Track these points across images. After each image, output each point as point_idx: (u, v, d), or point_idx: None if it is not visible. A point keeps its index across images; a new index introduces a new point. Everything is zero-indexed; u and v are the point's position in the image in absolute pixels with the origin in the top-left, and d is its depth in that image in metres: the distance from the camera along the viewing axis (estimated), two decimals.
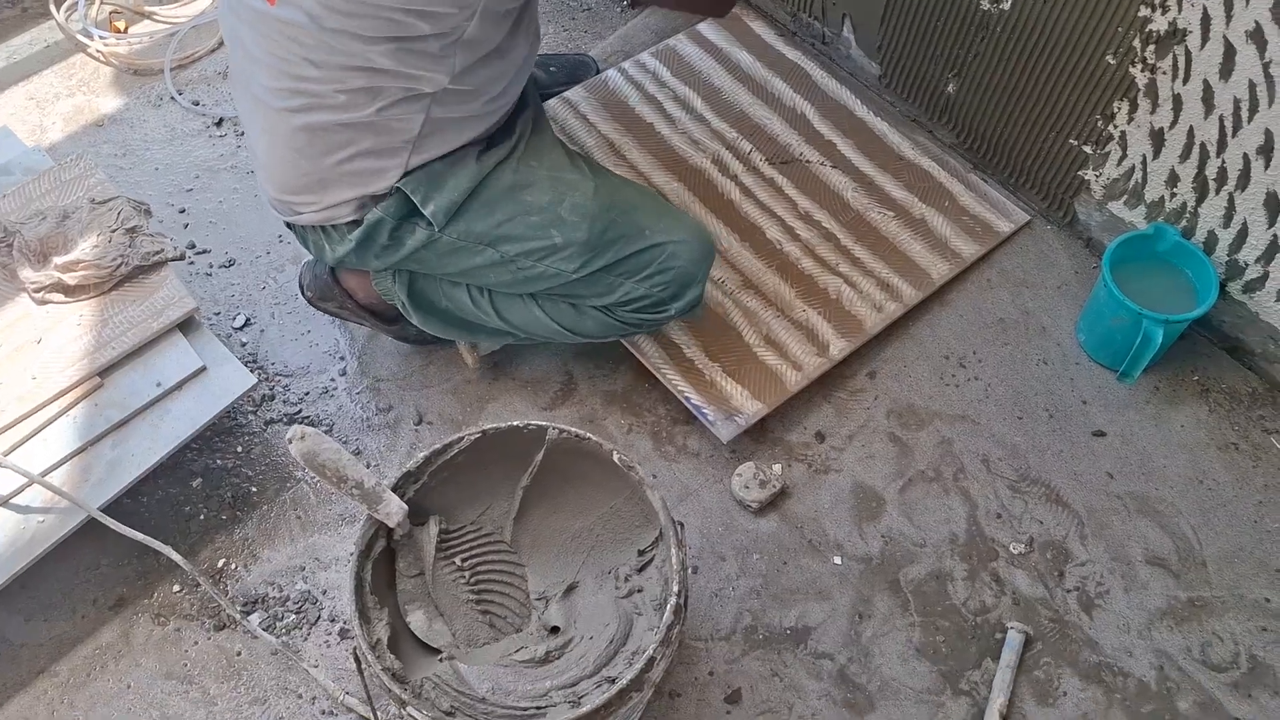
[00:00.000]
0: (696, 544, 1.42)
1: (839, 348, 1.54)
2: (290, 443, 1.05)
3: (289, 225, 1.39)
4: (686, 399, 1.47)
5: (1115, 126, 1.56)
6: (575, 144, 1.75)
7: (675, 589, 1.07)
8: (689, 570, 1.37)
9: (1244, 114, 1.39)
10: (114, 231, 1.43)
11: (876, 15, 1.78)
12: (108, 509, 1.29)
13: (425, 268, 1.36)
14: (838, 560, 1.41)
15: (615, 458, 1.15)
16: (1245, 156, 1.43)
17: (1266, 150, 1.40)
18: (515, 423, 1.17)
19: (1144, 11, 1.42)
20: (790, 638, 1.35)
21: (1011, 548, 1.43)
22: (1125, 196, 1.61)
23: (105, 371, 1.36)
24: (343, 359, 1.57)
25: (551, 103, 1.79)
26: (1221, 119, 1.42)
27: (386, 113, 1.21)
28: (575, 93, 1.81)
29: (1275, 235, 1.46)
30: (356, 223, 1.30)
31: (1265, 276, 1.50)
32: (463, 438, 1.16)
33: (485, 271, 1.33)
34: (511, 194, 1.30)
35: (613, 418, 1.52)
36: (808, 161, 1.74)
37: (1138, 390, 1.56)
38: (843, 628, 1.36)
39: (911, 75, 1.80)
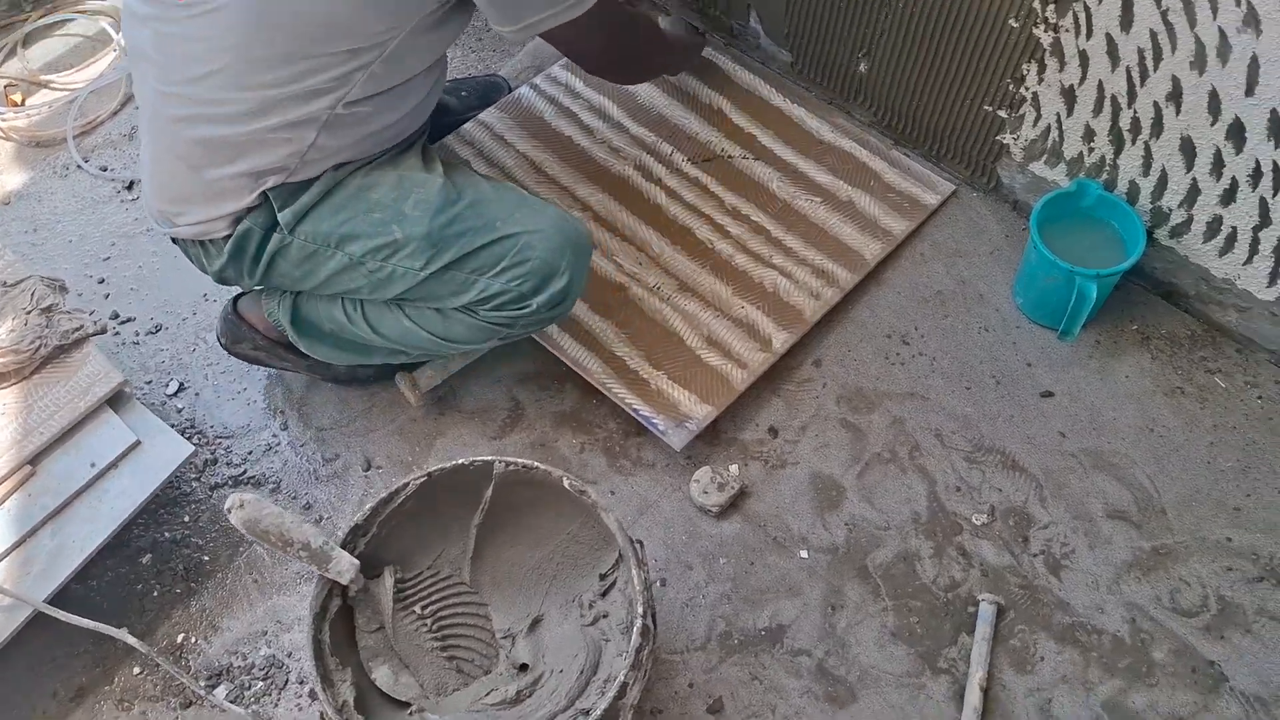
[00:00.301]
0: (662, 555, 1.40)
1: (781, 340, 1.54)
2: (229, 512, 1.03)
3: (173, 240, 1.39)
4: (635, 411, 1.46)
5: (1026, 88, 1.56)
6: (495, 166, 1.72)
7: (640, 610, 1.06)
8: (654, 587, 1.36)
9: (1149, 63, 1.40)
10: (29, 313, 1.39)
11: (781, 3, 1.77)
12: (55, 599, 1.25)
13: (289, 281, 1.35)
14: (804, 554, 1.40)
15: (566, 484, 1.13)
16: (1156, 105, 1.44)
17: (1175, 96, 1.41)
18: (461, 461, 1.15)
19: None
20: (766, 638, 1.34)
21: (974, 519, 1.43)
22: (1045, 156, 1.62)
23: (36, 458, 1.32)
24: (282, 413, 1.54)
25: (467, 127, 1.77)
26: (1128, 70, 1.43)
27: (277, 133, 1.22)
28: (490, 114, 1.79)
29: (1194, 179, 1.47)
30: (231, 236, 1.30)
31: (1189, 220, 1.51)
32: (408, 484, 1.14)
33: (341, 278, 1.31)
34: (358, 194, 1.29)
35: (564, 438, 1.50)
36: (730, 157, 1.73)
37: (1080, 346, 1.57)
38: (816, 621, 1.36)
39: (822, 59, 1.80)
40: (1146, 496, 1.45)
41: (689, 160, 1.73)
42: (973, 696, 1.28)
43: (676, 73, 1.83)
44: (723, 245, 1.63)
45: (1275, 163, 1.37)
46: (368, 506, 1.13)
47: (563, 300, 1.34)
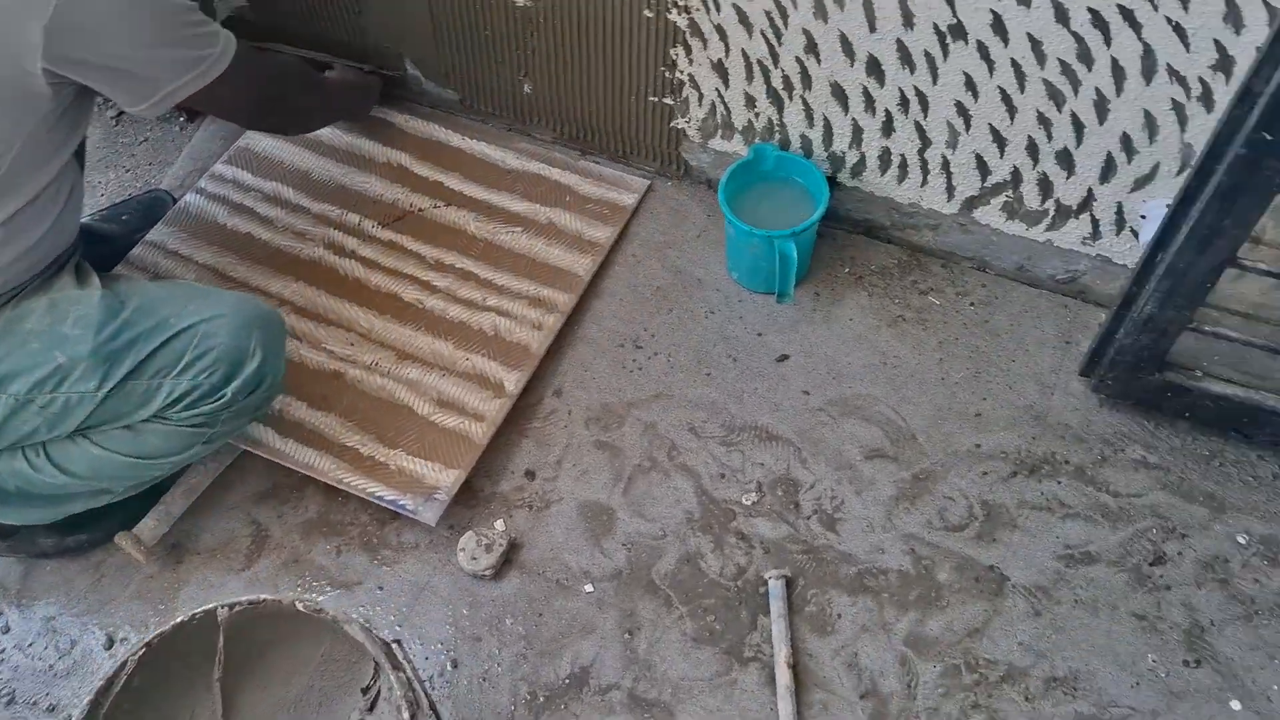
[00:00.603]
0: (448, 635, 1.34)
1: (514, 381, 1.50)
2: None
3: None
4: (379, 499, 1.39)
5: (681, 72, 1.58)
6: None
7: (406, 716, 0.99)
8: (445, 670, 1.30)
9: (779, 23, 1.44)
10: None
11: (430, 44, 1.73)
12: None
13: None
14: (589, 588, 1.37)
15: (300, 607, 1.05)
16: (798, 60, 1.48)
17: (812, 48, 1.45)
18: (179, 619, 1.05)
19: None
20: (571, 685, 1.30)
21: (744, 500, 1.43)
22: (719, 131, 1.64)
23: None
24: (1, 614, 1.39)
25: (135, 252, 1.64)
26: (764, 34, 1.47)
27: None
28: (157, 232, 1.67)
29: (854, 119, 1.52)
30: None
31: (863, 158, 1.56)
32: (126, 662, 1.03)
33: (12, 424, 1.19)
34: (7, 328, 1.18)
35: (317, 547, 1.41)
36: (420, 210, 1.68)
37: (801, 304, 1.60)
38: (618, 652, 1.32)
39: (487, 89, 1.77)
40: (896, 428, 1.48)
41: (380, 224, 1.66)
42: (783, 676, 1.28)
43: (355, 116, 1.76)
44: (433, 302, 1.58)
45: (916, 88, 1.43)
46: (85, 700, 1.01)
47: (259, 384, 1.26)
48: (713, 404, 1.51)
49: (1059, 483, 1.43)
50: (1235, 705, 1.26)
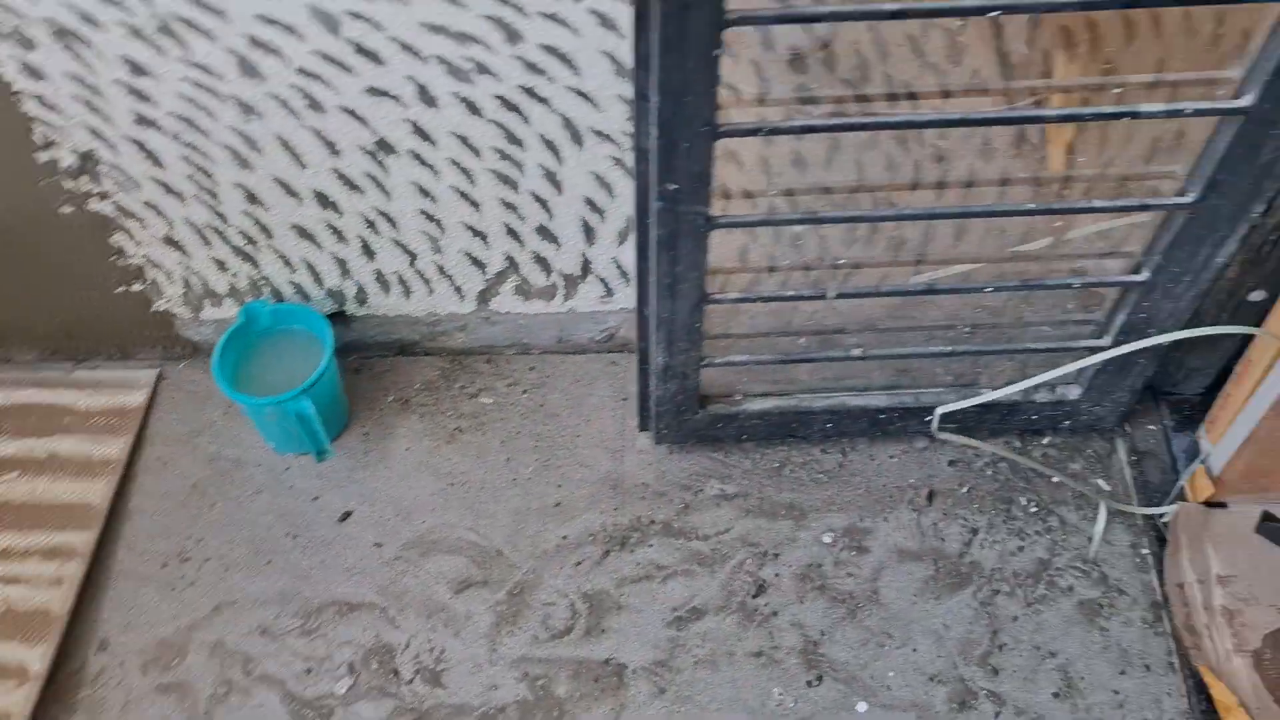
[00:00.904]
0: None
1: (40, 656, 1.29)
2: None
3: None
4: None
5: (133, 256, 1.43)
6: None
7: None
8: None
9: (207, 184, 1.32)
10: None
11: None
12: None
13: None
14: None
15: None
16: (246, 213, 1.37)
17: (253, 199, 1.35)
18: None
19: (43, 156, 1.29)
20: None
21: (338, 690, 1.30)
22: (206, 301, 1.50)
23: None
24: None
25: None
26: (198, 198, 1.35)
27: None
28: None
29: (333, 253, 1.43)
30: None
31: (360, 286, 1.48)
32: None
33: None
34: None
35: None
36: None
37: (351, 450, 1.49)
38: None
39: None
40: (480, 550, 1.40)
41: None
42: None
43: None
44: None
45: (376, 209, 1.36)
46: None
47: None
48: (282, 594, 1.37)
49: (651, 546, 1.40)
50: (862, 707, 1.28)
